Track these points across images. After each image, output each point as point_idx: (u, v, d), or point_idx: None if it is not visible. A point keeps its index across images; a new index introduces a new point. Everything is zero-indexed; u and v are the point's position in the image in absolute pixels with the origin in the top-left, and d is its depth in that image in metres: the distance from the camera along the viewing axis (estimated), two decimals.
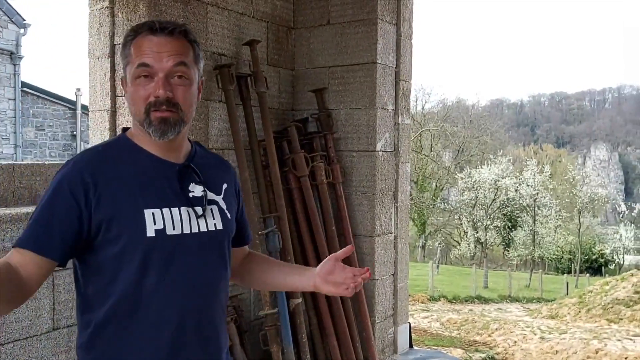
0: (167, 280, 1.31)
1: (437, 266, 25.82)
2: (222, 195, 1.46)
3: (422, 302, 15.26)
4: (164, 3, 3.07)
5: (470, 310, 14.81)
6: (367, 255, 3.89)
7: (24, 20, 12.37)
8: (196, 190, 1.39)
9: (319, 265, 1.49)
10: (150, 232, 1.29)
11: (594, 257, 34.11)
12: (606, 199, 39.47)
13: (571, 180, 33.74)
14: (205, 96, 3.32)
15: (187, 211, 1.35)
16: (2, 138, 12.01)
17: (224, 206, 1.45)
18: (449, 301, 16.31)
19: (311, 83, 3.98)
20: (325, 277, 1.46)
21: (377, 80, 3.80)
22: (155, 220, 1.30)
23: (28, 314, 2.40)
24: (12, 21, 12.12)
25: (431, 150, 32.38)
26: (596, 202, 34.28)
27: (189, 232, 1.34)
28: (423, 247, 32.58)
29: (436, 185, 31.99)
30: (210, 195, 1.42)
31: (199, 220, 1.37)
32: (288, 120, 3.95)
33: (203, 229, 1.37)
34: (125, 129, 1.43)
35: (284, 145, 3.72)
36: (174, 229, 1.32)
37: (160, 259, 1.30)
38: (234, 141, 3.36)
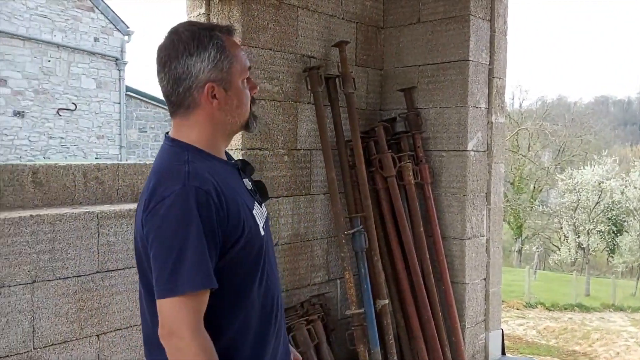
0: (268, 272, 1.37)
1: (535, 272, 24.77)
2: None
3: (518, 309, 14.70)
4: (257, 8, 3.16)
5: (570, 318, 14.09)
6: (457, 258, 3.79)
7: (128, 27, 13.14)
8: (247, 183, 1.43)
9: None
10: (262, 232, 1.35)
11: None
12: None
13: None
14: (295, 98, 3.38)
15: (256, 203, 1.40)
16: (108, 139, 12.86)
17: (264, 190, 1.51)
18: (546, 308, 15.60)
19: (400, 82, 3.94)
20: None
21: (469, 78, 3.70)
22: (258, 219, 1.35)
23: (129, 304, 2.55)
24: (117, 29, 12.92)
25: (529, 150, 31.05)
26: None
27: (264, 222, 1.40)
28: (519, 251, 31.31)
29: (534, 187, 30.64)
30: (253, 185, 1.46)
31: (261, 210, 1.42)
32: (376, 120, 3.93)
33: (265, 216, 1.44)
34: (167, 133, 1.39)
35: (371, 145, 3.71)
36: (263, 223, 1.38)
37: (266, 254, 1.36)
38: (322, 141, 3.40)
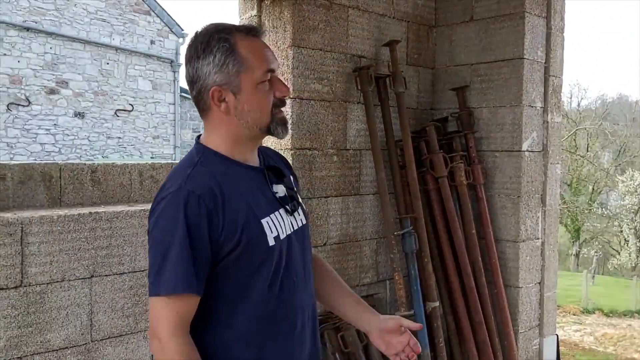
0: (285, 283, 1.32)
1: (593, 276, 23.89)
2: (294, 188, 1.45)
3: (574, 314, 14.24)
4: (307, 9, 3.17)
5: (629, 325, 13.54)
6: (511, 261, 3.70)
7: (183, 30, 13.44)
8: (279, 190, 1.37)
9: (382, 317, 1.50)
10: (271, 242, 1.28)
11: None
12: None
13: None
14: (344, 98, 3.38)
15: (283, 212, 1.35)
16: (163, 139, 13.20)
17: (299, 198, 1.44)
18: (605, 314, 15.05)
19: (452, 81, 3.87)
20: (383, 334, 1.46)
21: (524, 77, 3.61)
22: (270, 228, 1.29)
23: None
24: (172, 32, 13.24)
25: (587, 151, 29.97)
26: None
27: (291, 232, 1.35)
28: (577, 255, 30.28)
29: (593, 189, 29.56)
30: (290, 192, 1.41)
31: (291, 219, 1.37)
32: (427, 120, 3.88)
33: (296, 226, 1.38)
34: (199, 137, 1.37)
35: (422, 145, 3.66)
36: (283, 233, 1.33)
37: (279, 265, 1.31)
38: (371, 141, 3.38)
